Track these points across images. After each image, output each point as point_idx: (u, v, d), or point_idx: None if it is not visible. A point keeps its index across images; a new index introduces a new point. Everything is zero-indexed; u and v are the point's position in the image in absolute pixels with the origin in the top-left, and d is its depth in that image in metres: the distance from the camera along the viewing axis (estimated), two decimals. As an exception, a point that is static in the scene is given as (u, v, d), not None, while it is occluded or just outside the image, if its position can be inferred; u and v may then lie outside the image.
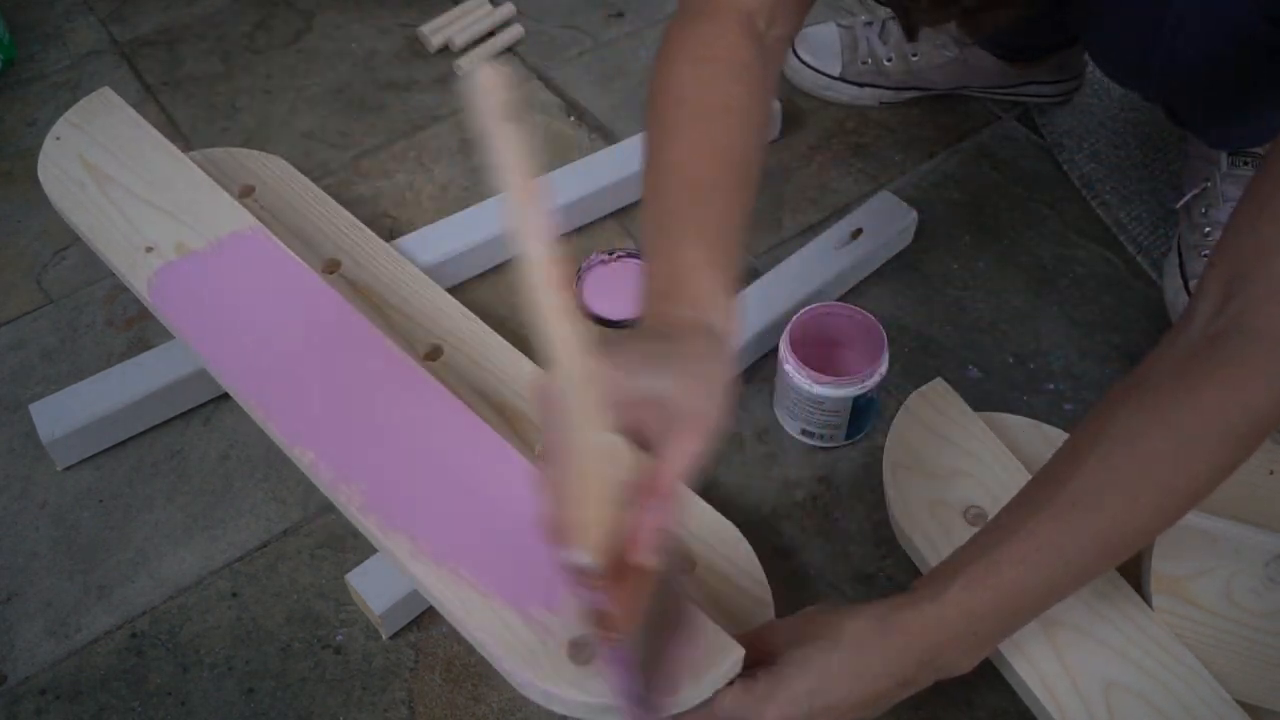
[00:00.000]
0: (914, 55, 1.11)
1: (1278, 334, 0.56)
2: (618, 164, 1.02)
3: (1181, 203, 0.95)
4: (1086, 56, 1.13)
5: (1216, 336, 0.58)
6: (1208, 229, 0.92)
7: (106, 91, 0.96)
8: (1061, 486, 0.58)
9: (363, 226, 0.92)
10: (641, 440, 0.51)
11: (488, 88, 0.39)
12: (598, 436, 0.48)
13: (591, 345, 0.46)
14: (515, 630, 0.62)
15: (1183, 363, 0.59)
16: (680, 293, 0.58)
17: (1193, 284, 0.90)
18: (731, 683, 0.59)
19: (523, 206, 0.41)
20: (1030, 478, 0.75)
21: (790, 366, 0.81)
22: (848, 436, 0.85)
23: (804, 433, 0.85)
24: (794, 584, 0.78)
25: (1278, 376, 0.56)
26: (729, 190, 0.63)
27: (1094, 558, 0.59)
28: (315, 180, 1.01)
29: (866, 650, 0.58)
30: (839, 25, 1.15)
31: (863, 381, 0.81)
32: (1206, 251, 0.90)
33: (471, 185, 1.07)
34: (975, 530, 0.73)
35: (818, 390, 0.80)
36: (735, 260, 0.62)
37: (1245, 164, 0.92)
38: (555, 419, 0.48)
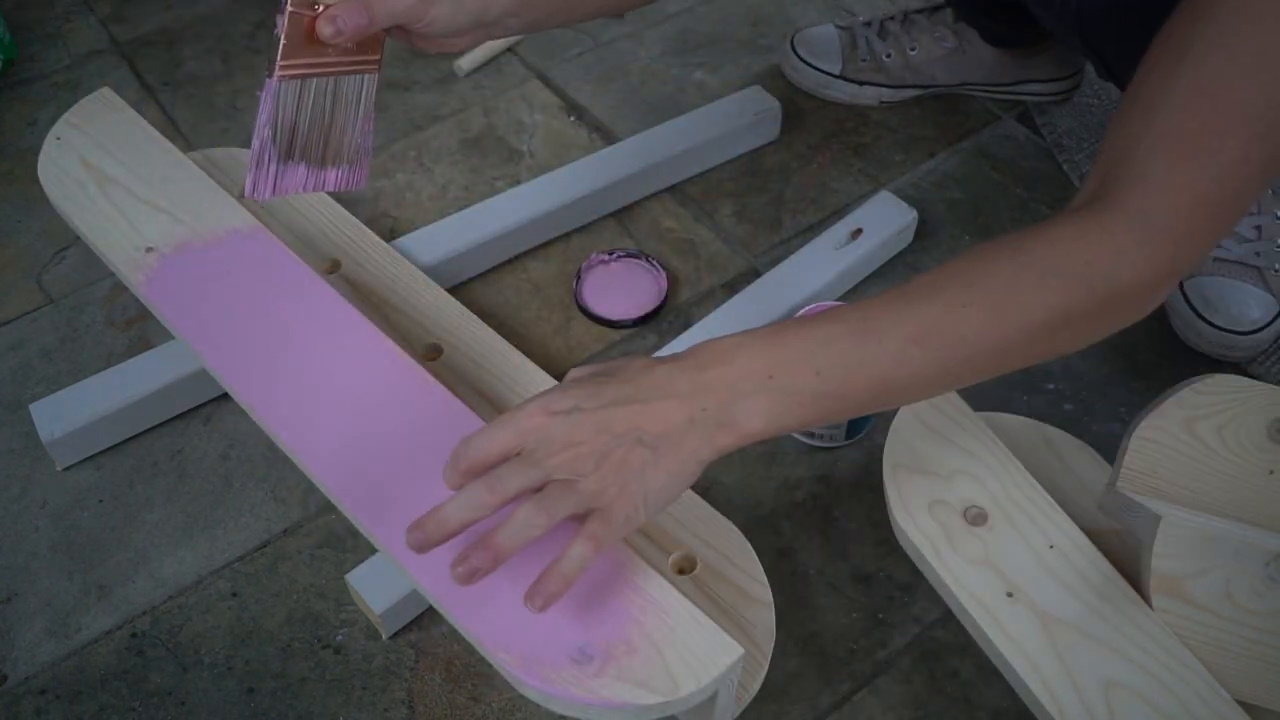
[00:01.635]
0: (912, 50, 1.11)
1: (1143, 209, 0.57)
2: (618, 164, 1.02)
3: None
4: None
5: (1087, 205, 0.59)
6: (1207, 229, 0.92)
7: (106, 91, 0.96)
8: (901, 287, 0.59)
9: (363, 226, 0.92)
10: None
11: None
12: None
13: None
14: (515, 629, 0.61)
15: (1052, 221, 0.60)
16: None
17: (1190, 284, 0.90)
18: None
19: None
20: (1030, 478, 0.76)
21: (790, 366, 0.81)
22: (848, 436, 0.85)
23: (804, 432, 0.85)
24: (794, 584, 0.78)
25: (1134, 246, 0.57)
26: None
27: (903, 345, 0.57)
28: (315, 180, 1.01)
29: (649, 366, 0.58)
30: (837, 27, 1.15)
31: (863, 381, 0.80)
32: (1205, 251, 0.91)
33: (471, 185, 1.07)
34: (975, 530, 0.73)
35: (818, 390, 0.80)
36: None
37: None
38: None
